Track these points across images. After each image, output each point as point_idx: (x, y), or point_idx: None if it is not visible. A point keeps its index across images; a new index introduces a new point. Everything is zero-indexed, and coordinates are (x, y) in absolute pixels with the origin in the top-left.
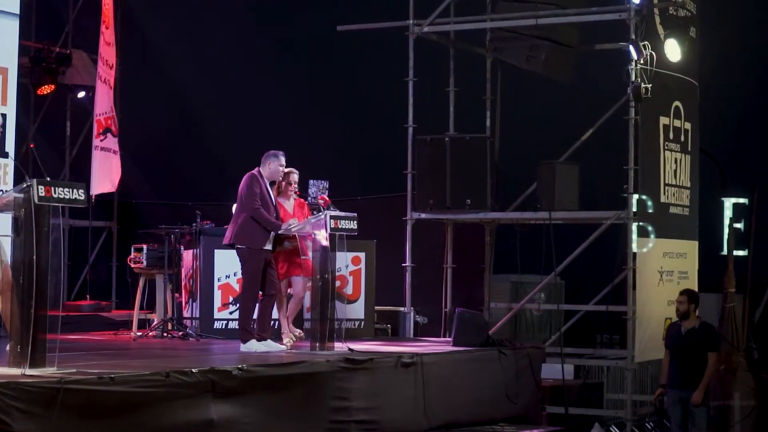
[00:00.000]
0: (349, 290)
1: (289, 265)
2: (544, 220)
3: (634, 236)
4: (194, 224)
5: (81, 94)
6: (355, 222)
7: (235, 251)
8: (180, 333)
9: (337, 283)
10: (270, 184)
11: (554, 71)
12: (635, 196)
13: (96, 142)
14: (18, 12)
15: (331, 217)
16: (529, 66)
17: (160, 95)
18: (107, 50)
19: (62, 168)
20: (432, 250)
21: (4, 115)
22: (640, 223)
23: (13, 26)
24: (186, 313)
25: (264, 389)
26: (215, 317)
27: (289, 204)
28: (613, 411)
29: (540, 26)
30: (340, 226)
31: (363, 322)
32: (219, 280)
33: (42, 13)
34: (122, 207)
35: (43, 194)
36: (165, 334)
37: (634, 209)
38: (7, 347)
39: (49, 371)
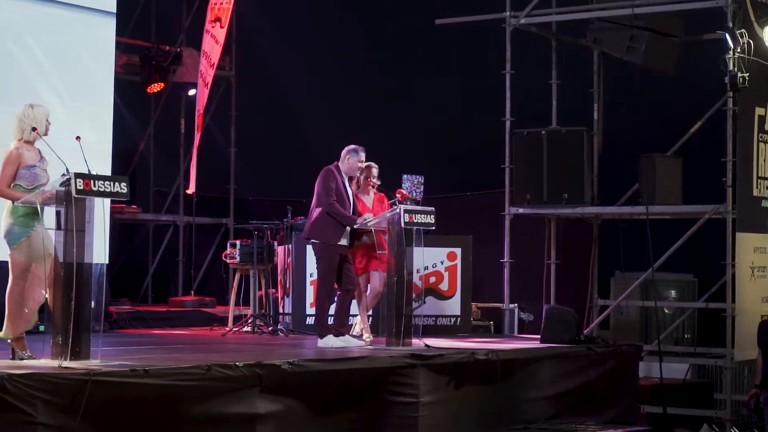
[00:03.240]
0: (444, 286)
1: (368, 259)
2: (642, 215)
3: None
4: (285, 219)
5: (192, 92)
6: (432, 216)
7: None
8: (270, 328)
9: (432, 279)
10: (349, 179)
11: (655, 62)
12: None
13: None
14: (114, 11)
15: (406, 211)
16: (629, 56)
17: (271, 94)
18: (213, 48)
19: (177, 166)
20: (542, 247)
21: None
22: None
23: (110, 24)
24: (281, 309)
25: (318, 384)
26: (307, 313)
27: (369, 198)
28: (713, 411)
29: (640, 16)
30: (415, 221)
31: (459, 319)
32: (311, 275)
33: (156, 13)
34: (239, 204)
35: (81, 187)
36: (256, 330)
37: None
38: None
39: (89, 363)
